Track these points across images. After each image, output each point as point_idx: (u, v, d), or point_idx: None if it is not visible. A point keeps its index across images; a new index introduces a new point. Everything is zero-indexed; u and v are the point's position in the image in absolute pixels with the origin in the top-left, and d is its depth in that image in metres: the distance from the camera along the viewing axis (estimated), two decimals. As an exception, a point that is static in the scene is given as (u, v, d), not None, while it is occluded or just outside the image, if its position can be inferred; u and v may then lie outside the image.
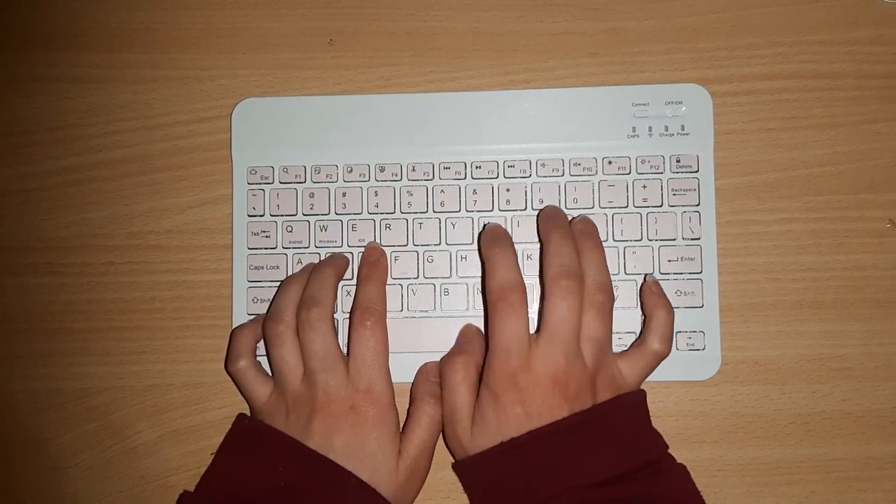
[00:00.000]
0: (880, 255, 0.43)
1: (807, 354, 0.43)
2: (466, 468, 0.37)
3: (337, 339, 0.39)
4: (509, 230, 0.43)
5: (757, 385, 0.43)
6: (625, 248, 0.43)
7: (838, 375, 0.43)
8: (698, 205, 0.43)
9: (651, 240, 0.43)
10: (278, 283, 0.43)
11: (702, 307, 0.42)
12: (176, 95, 0.46)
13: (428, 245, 0.44)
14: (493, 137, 0.44)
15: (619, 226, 0.43)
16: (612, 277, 0.41)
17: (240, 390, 0.41)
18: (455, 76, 0.46)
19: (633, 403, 0.37)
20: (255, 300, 0.44)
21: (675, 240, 0.43)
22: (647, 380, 0.40)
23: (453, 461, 0.38)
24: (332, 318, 0.39)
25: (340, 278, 0.42)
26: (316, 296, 0.39)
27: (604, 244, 0.41)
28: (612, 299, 0.38)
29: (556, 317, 0.36)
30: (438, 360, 0.42)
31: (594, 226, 0.41)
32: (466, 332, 0.42)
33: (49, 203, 0.46)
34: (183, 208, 0.46)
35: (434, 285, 0.44)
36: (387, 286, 0.43)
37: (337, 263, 0.42)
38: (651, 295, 0.40)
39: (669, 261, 0.43)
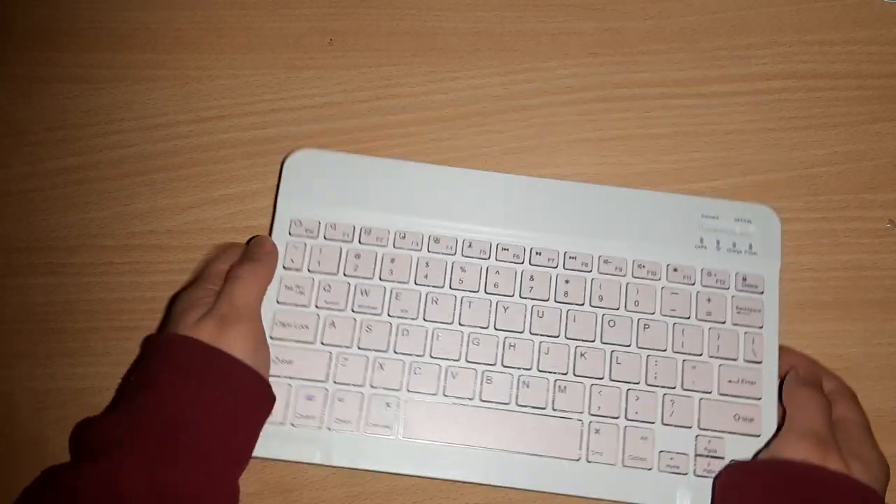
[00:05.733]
0: (880, 255, 0.43)
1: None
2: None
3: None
4: (559, 322, 0.42)
5: (757, 385, 0.43)
6: (683, 360, 0.41)
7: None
8: (761, 327, 0.41)
9: (712, 356, 0.41)
10: (305, 344, 0.41)
11: (759, 436, 0.40)
12: (176, 95, 0.46)
13: (475, 327, 0.41)
14: (556, 226, 0.43)
15: (681, 337, 0.41)
16: (669, 392, 0.41)
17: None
18: (455, 76, 0.46)
19: None
20: (276, 360, 0.40)
21: (736, 360, 0.41)
22: None
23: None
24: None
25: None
26: None
27: (663, 354, 0.41)
28: None
29: None
30: (466, 454, 0.40)
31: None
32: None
33: (49, 203, 0.46)
34: (183, 208, 0.46)
35: (476, 370, 0.41)
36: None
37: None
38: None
39: (729, 381, 0.41)
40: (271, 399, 0.39)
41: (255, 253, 0.41)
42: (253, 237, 0.43)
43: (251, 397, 0.38)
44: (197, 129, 0.46)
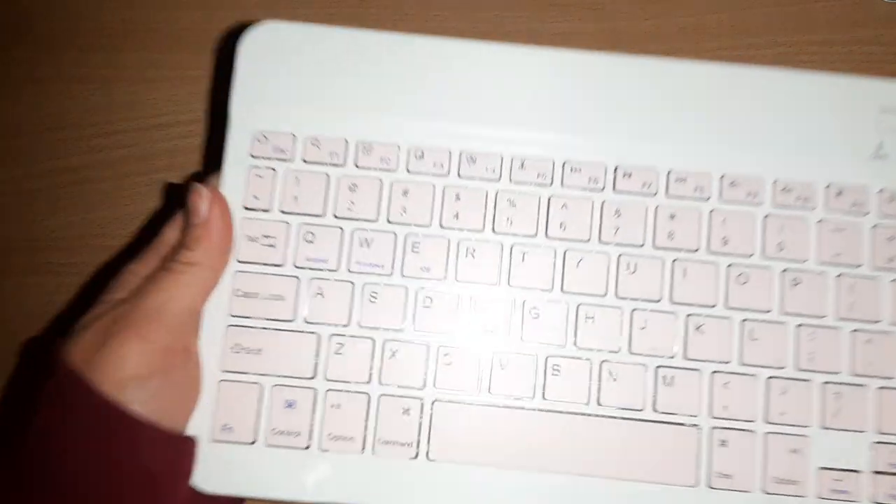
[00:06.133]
0: (880, 255, 0.43)
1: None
2: None
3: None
4: (661, 279, 0.28)
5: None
6: (853, 331, 0.28)
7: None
8: None
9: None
10: (280, 324, 0.28)
11: None
12: (176, 95, 0.46)
13: (533, 290, 0.28)
14: (655, 130, 0.29)
15: (848, 296, 0.28)
16: (831, 379, 0.28)
17: None
18: (455, 76, 0.46)
19: None
20: (237, 349, 0.28)
21: None
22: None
23: None
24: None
25: None
26: None
27: (821, 322, 0.28)
28: None
29: None
30: (523, 481, 0.28)
31: None
32: None
33: (49, 203, 0.46)
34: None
35: (535, 357, 0.28)
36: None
37: None
38: None
39: None
40: (176, 444, 0.27)
41: (189, 233, 0.28)
42: (190, 180, 0.31)
43: (128, 446, 0.26)
44: (197, 129, 0.46)
